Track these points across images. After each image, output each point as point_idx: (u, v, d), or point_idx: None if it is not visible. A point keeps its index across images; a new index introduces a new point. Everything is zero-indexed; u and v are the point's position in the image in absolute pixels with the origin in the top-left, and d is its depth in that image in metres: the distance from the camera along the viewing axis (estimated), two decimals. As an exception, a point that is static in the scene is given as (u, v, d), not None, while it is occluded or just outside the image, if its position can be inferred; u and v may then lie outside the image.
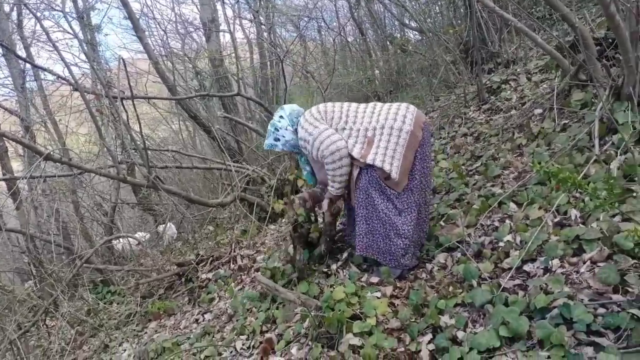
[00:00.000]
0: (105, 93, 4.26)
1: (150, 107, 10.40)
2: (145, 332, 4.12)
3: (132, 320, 4.46)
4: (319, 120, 2.78)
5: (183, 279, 4.56)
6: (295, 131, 2.91)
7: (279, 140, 2.94)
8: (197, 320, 3.81)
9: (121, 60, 3.59)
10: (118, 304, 5.25)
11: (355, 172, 2.71)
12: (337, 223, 3.39)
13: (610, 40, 3.85)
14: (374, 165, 2.62)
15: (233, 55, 10.24)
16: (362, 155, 2.64)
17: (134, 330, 4.26)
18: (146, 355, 3.05)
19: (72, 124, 8.17)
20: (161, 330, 3.99)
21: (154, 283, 4.83)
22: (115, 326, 4.54)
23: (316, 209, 3.39)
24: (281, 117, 2.96)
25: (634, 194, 2.31)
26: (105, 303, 5.17)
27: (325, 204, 3.05)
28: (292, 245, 3.28)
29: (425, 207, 2.87)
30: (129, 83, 3.63)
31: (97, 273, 5.70)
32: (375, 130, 2.67)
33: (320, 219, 3.46)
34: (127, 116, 4.37)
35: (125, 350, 3.94)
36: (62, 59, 3.77)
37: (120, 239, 6.84)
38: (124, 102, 5.06)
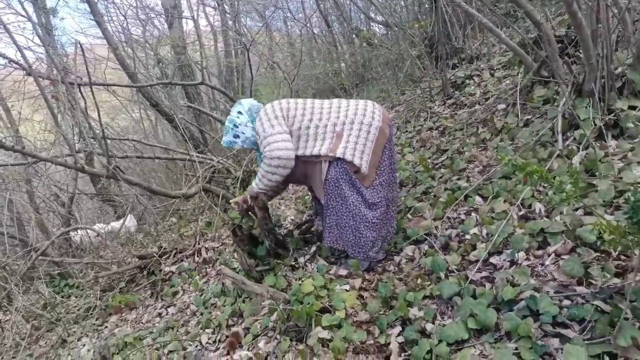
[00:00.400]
0: (61, 79, 4.06)
1: (110, 95, 10.05)
2: (106, 327, 3.98)
3: (91, 314, 4.30)
4: (279, 118, 2.70)
5: (145, 272, 4.42)
6: (253, 128, 2.83)
7: (238, 137, 2.84)
8: (160, 314, 3.71)
9: (78, 44, 3.42)
10: (76, 297, 5.06)
11: (325, 166, 2.66)
12: (306, 215, 3.35)
13: (571, 37, 3.96)
14: (343, 159, 2.59)
15: (196, 43, 10.00)
16: (331, 149, 2.60)
17: (94, 324, 4.11)
18: (107, 350, 2.94)
19: (26, 110, 7.81)
20: (122, 325, 3.86)
21: (114, 276, 4.68)
22: (73, 320, 4.37)
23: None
24: (239, 112, 2.86)
25: (596, 189, 2.37)
26: (62, 297, 4.97)
27: (251, 199, 2.99)
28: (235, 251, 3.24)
29: (393, 203, 2.88)
30: (87, 69, 3.46)
31: (54, 266, 5.46)
32: (345, 125, 2.63)
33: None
34: (85, 104, 4.19)
35: (84, 345, 3.79)
36: (14, 42, 3.56)
37: (79, 231, 6.60)
38: (82, 89, 4.87)
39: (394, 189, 2.87)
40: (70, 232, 6.52)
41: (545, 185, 2.70)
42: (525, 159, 2.94)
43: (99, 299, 4.44)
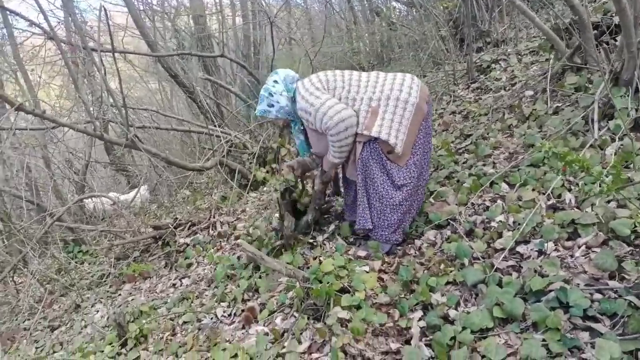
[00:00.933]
0: (83, 44, 4.00)
1: (126, 64, 10.01)
2: (119, 294, 4.01)
3: (105, 281, 4.33)
4: (320, 89, 2.61)
5: (160, 243, 4.43)
6: (291, 98, 2.74)
7: (272, 106, 2.75)
8: (174, 284, 3.72)
9: (103, 9, 3.36)
10: (90, 264, 5.11)
11: (359, 147, 2.59)
12: (327, 193, 3.31)
13: (607, 24, 3.82)
14: (377, 139, 2.52)
15: (215, 16, 9.89)
16: (367, 126, 2.52)
17: (107, 291, 4.14)
18: (122, 317, 2.95)
19: (44, 76, 7.79)
20: (136, 293, 3.88)
21: (129, 245, 4.70)
22: (87, 286, 4.41)
23: (305, 177, 3.29)
24: (275, 81, 2.77)
25: (631, 182, 2.29)
26: (76, 263, 5.01)
27: (320, 172, 2.96)
28: (279, 213, 3.19)
29: (423, 184, 2.82)
30: (110, 35, 3.39)
31: (69, 232, 5.50)
32: (380, 101, 2.54)
33: (309, 188, 3.37)
34: (105, 71, 4.15)
35: (97, 311, 3.83)
36: (38, 4, 3.50)
37: (93, 198, 6.63)
38: (102, 56, 4.82)
39: (426, 170, 2.80)
40: (84, 200, 6.55)
41: (576, 175, 2.64)
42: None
43: (113, 266, 4.46)
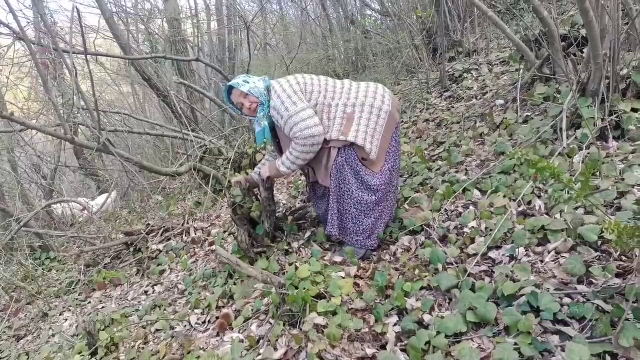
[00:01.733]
0: (54, 46, 3.91)
1: (97, 67, 9.83)
2: (89, 302, 3.91)
3: (74, 289, 4.21)
4: (297, 93, 2.60)
5: (131, 249, 4.34)
6: (267, 88, 2.70)
7: (247, 83, 2.69)
8: (146, 292, 3.65)
9: (76, 10, 3.29)
10: (58, 271, 4.97)
11: (334, 153, 2.60)
12: (299, 201, 3.31)
13: (574, 37, 3.96)
14: (353, 145, 2.54)
15: (190, 21, 9.81)
16: (343, 132, 2.54)
17: (77, 299, 4.03)
18: (93, 326, 2.88)
19: (11, 78, 7.57)
20: (106, 301, 3.79)
21: (99, 251, 4.59)
22: (55, 294, 4.28)
23: (253, 192, 3.25)
24: (248, 76, 2.79)
25: (598, 189, 2.37)
26: (44, 270, 4.87)
27: (261, 180, 2.94)
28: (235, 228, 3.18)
29: (395, 191, 2.85)
30: (83, 37, 3.33)
31: (36, 238, 5.34)
32: (355, 107, 2.58)
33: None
34: (76, 73, 4.06)
35: (66, 320, 3.73)
36: (7, 3, 3.41)
37: (61, 204, 6.46)
38: (73, 58, 4.71)
39: (396, 177, 2.84)
40: (52, 205, 6.38)
41: (546, 182, 2.71)
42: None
43: (83, 274, 4.35)
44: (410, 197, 3.19)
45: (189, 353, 2.48)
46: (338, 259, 2.79)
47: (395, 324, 2.15)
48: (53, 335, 3.57)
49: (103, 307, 3.68)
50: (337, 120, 2.57)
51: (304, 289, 2.38)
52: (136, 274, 4.11)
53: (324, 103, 2.60)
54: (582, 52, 3.80)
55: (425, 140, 4.29)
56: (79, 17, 3.22)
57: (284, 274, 2.77)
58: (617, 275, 1.91)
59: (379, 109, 2.57)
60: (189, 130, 5.27)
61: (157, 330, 2.92)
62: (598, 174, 2.53)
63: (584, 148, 2.75)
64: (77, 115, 5.89)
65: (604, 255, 2.06)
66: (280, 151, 2.95)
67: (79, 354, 2.89)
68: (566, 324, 1.80)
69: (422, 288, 2.31)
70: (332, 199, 2.70)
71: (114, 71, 11.40)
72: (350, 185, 2.61)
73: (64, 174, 9.80)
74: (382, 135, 2.57)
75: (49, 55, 5.99)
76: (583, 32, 3.95)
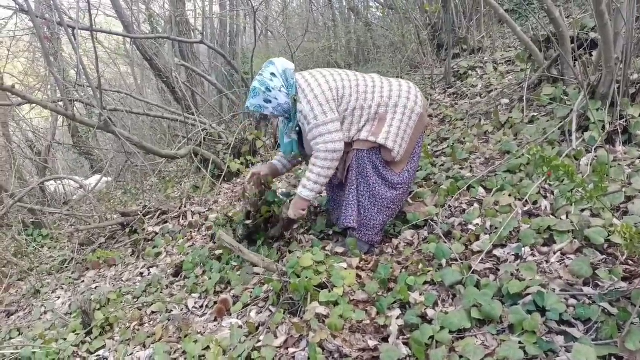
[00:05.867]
0: (59, 20, 3.83)
1: (96, 45, 9.68)
2: (82, 281, 3.88)
3: (67, 267, 4.18)
4: (330, 102, 2.43)
5: (127, 230, 4.31)
6: (288, 94, 2.51)
7: (269, 102, 2.50)
8: (141, 273, 3.63)
9: (82, -15, 3.22)
10: (50, 248, 4.93)
11: (352, 155, 2.55)
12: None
13: (584, 39, 3.94)
14: (382, 146, 2.49)
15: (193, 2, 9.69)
16: (373, 132, 2.47)
17: (70, 277, 3.99)
18: (88, 305, 2.84)
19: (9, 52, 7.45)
20: (100, 281, 3.77)
21: (94, 231, 4.54)
22: (47, 271, 4.24)
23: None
24: (273, 74, 2.51)
25: (606, 191, 2.36)
26: (35, 247, 4.82)
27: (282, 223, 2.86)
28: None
29: (409, 188, 2.83)
30: (90, 13, 3.27)
31: (28, 214, 5.28)
32: (388, 108, 2.49)
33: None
34: (79, 50, 3.99)
35: (58, 297, 3.69)
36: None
37: (55, 181, 6.39)
38: (76, 34, 4.63)
39: (413, 177, 2.81)
40: (45, 182, 6.30)
41: (552, 183, 2.71)
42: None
43: (77, 252, 4.31)
44: (413, 191, 3.18)
45: (186, 337, 2.47)
46: (340, 249, 2.77)
47: (398, 317, 2.14)
48: (45, 313, 3.55)
49: (97, 287, 3.65)
50: (369, 121, 2.50)
51: (306, 277, 2.36)
52: (131, 255, 4.09)
53: (356, 106, 2.48)
54: (591, 55, 3.79)
55: (429, 136, 4.27)
56: (86, -9, 3.15)
57: (283, 262, 2.75)
58: (624, 279, 1.91)
59: (411, 110, 2.50)
60: (190, 113, 5.21)
61: (153, 313, 2.91)
62: (605, 177, 2.52)
63: (592, 151, 2.75)
64: (74, 92, 5.81)
65: (610, 258, 2.06)
66: (306, 157, 2.83)
67: (74, 332, 2.87)
68: (571, 325, 1.79)
69: (425, 283, 2.30)
70: (349, 190, 2.62)
71: (112, 50, 11.27)
72: (369, 177, 2.56)
73: (57, 151, 9.71)
74: (410, 137, 2.53)
75: (49, 29, 5.89)
76: (592, 34, 3.94)
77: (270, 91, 2.48)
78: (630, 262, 2.01)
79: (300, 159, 3.03)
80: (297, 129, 2.64)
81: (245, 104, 2.63)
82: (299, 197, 2.61)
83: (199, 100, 7.15)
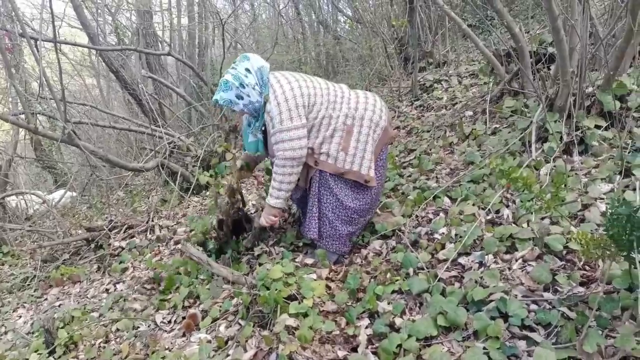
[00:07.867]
0: (21, 31, 3.76)
1: (60, 57, 9.50)
2: (45, 299, 3.77)
3: (29, 284, 4.05)
4: (299, 107, 2.41)
5: (92, 245, 4.21)
6: (261, 94, 2.47)
7: (241, 98, 2.43)
8: (107, 290, 3.55)
9: (46, -4, 3.18)
10: (11, 266, 4.76)
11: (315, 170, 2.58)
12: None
13: (542, 54, 4.10)
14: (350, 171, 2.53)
15: (160, 12, 9.63)
16: (343, 147, 2.49)
17: (32, 295, 3.87)
18: (52, 323, 2.77)
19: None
20: (64, 298, 3.66)
21: (57, 247, 4.42)
22: (8, 290, 4.10)
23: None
24: (248, 70, 2.44)
25: (563, 200, 2.46)
26: (-5, 264, 4.66)
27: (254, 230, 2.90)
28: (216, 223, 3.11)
29: (376, 201, 2.86)
30: (52, 23, 3.22)
31: (-12, 230, 5.11)
32: (355, 120, 2.51)
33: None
34: (41, 62, 3.92)
35: (20, 316, 3.58)
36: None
37: (16, 196, 6.20)
38: (39, 45, 4.55)
39: (381, 188, 2.85)
40: (6, 197, 6.11)
41: (513, 193, 2.80)
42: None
43: (39, 269, 4.19)
44: (381, 202, 3.22)
45: (153, 353, 2.43)
46: (309, 261, 2.79)
47: (367, 327, 2.16)
48: (6, 333, 3.42)
49: (60, 305, 3.55)
50: (337, 131, 2.50)
51: (276, 289, 2.37)
52: (97, 271, 3.99)
53: (325, 115, 2.49)
54: (549, 69, 3.94)
55: (397, 147, 4.35)
56: (51, 4, 3.11)
57: (253, 275, 2.74)
58: (581, 284, 1.99)
59: (376, 123, 2.54)
60: (157, 125, 5.16)
61: (118, 330, 2.84)
62: (563, 186, 2.62)
63: (551, 161, 2.85)
64: (37, 105, 5.68)
65: (569, 264, 2.14)
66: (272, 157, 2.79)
67: (36, 351, 2.78)
68: (532, 330, 1.85)
69: (393, 291, 2.33)
70: (312, 202, 2.66)
71: (77, 62, 11.08)
72: (332, 188, 2.58)
73: (19, 165, 9.43)
74: (373, 152, 2.56)
75: (10, 41, 5.76)
76: (550, 49, 4.10)
77: (243, 87, 2.43)
78: (587, 267, 2.09)
79: (267, 157, 3.01)
80: (263, 128, 2.60)
81: (214, 96, 2.54)
82: (267, 204, 2.65)
83: (167, 113, 7.07)
